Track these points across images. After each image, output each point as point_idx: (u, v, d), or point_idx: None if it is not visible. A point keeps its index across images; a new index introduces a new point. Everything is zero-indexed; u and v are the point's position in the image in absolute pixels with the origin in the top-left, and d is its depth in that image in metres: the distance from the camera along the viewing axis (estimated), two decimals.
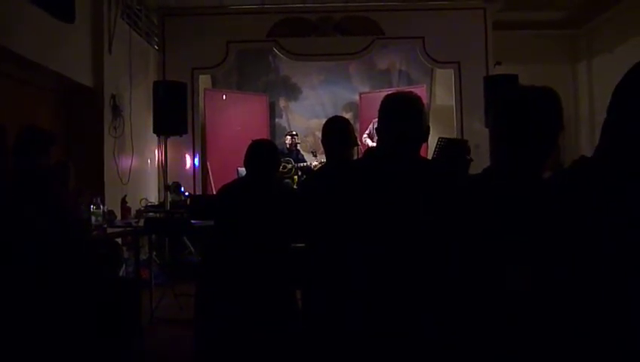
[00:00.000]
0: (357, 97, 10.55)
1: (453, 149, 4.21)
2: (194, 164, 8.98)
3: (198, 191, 8.80)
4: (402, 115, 2.25)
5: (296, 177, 8.45)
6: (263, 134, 9.22)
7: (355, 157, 3.66)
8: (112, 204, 6.03)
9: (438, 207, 1.94)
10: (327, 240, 2.52)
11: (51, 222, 3.04)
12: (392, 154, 2.26)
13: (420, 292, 2.00)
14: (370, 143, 8.65)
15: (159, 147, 8.35)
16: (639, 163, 1.29)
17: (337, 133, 3.42)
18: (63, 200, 3.28)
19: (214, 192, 8.09)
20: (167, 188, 7.33)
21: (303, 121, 10.91)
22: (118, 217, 5.81)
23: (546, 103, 1.72)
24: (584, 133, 9.57)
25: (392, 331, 2.08)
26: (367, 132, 9.00)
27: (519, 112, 1.73)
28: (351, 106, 10.77)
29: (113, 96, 6.89)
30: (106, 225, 4.94)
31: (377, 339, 2.10)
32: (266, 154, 3.65)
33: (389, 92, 2.48)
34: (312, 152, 9.03)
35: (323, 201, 2.73)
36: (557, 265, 1.37)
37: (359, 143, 8.67)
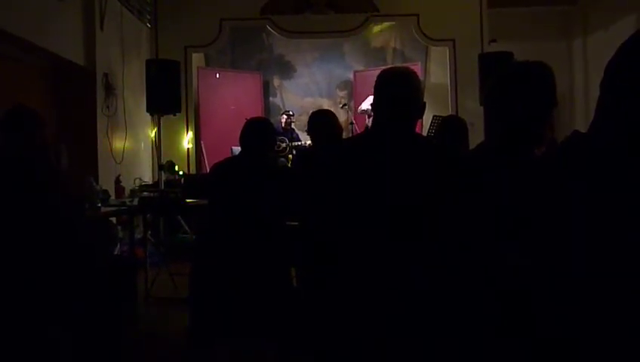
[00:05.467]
0: (351, 75, 10.51)
1: (454, 127, 4.18)
2: (187, 143, 8.95)
3: (192, 171, 8.78)
4: (398, 89, 2.24)
5: (290, 156, 8.44)
6: (257, 113, 9.19)
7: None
8: (106, 183, 6.01)
9: (435, 184, 1.93)
10: (323, 219, 2.50)
11: (40, 203, 3.02)
12: (388, 130, 2.25)
13: (422, 269, 1.99)
14: (367, 107, 8.57)
15: (153, 126, 8.31)
16: (631, 139, 1.29)
17: (322, 128, 3.50)
18: (52, 182, 3.25)
19: (208, 171, 8.08)
20: (161, 167, 7.31)
21: (297, 100, 10.86)
22: (112, 196, 5.80)
23: (539, 78, 1.71)
24: (579, 111, 9.55)
25: (394, 311, 2.07)
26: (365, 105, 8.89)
27: (512, 87, 1.72)
28: (345, 84, 10.73)
29: (105, 75, 6.83)
30: (100, 205, 4.93)
31: (379, 320, 2.10)
32: (262, 132, 3.64)
33: (382, 69, 2.46)
34: (307, 131, 9.00)
35: (319, 179, 2.72)
36: (551, 241, 1.37)
37: (354, 121, 8.66)
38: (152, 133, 8.43)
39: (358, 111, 8.80)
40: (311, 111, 3.90)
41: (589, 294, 1.27)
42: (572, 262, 1.30)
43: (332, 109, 4.64)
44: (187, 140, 8.91)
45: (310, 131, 3.61)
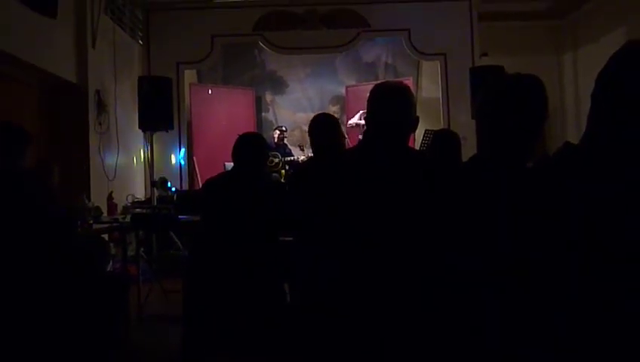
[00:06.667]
0: (343, 90, 10.54)
1: (447, 141, 4.19)
2: (180, 160, 8.94)
3: (185, 187, 8.77)
4: (391, 103, 2.25)
5: (283, 171, 8.44)
6: (250, 128, 9.18)
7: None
8: (99, 200, 5.99)
9: (428, 198, 1.93)
10: (318, 234, 2.50)
11: (26, 222, 3.00)
12: (381, 144, 2.25)
13: (415, 286, 1.99)
14: (356, 121, 8.53)
15: (145, 143, 8.30)
16: (621, 149, 1.29)
17: (324, 131, 3.44)
18: (40, 200, 3.23)
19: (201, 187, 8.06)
20: (153, 183, 7.29)
21: (290, 115, 10.87)
22: (105, 213, 5.78)
23: (531, 91, 1.72)
24: (570, 123, 9.60)
25: (386, 324, 2.07)
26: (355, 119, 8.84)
27: (504, 100, 1.73)
28: (338, 99, 10.76)
29: (98, 92, 6.83)
30: (92, 222, 4.91)
31: (371, 333, 2.10)
32: (254, 147, 3.64)
33: (375, 84, 2.47)
34: (299, 146, 9.01)
35: (313, 195, 2.72)
36: (539, 252, 1.37)
37: (346, 136, 8.64)
38: (145, 150, 8.42)
39: (348, 124, 8.78)
40: (314, 115, 3.79)
41: (586, 292, 1.28)
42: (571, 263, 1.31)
43: None
44: (179, 157, 8.90)
45: (312, 133, 3.52)
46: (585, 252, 1.28)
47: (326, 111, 10.31)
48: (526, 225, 1.43)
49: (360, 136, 8.17)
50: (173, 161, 8.93)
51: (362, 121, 8.30)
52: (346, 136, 8.66)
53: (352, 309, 2.15)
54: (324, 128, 3.48)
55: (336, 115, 9.73)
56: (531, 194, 1.45)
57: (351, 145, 8.19)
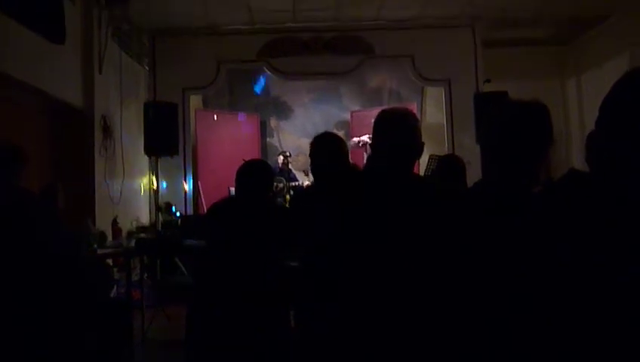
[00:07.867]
0: (348, 115, 10.57)
1: (452, 166, 4.20)
2: (185, 185, 8.95)
3: (190, 212, 8.76)
4: (397, 129, 2.26)
5: (288, 196, 8.44)
6: (255, 154, 9.21)
7: None
8: (103, 224, 6.00)
9: (434, 225, 1.93)
10: (323, 259, 2.49)
11: (24, 247, 2.99)
12: (386, 170, 2.25)
13: (420, 310, 1.98)
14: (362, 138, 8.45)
15: (150, 168, 8.32)
16: (626, 179, 1.29)
17: (325, 153, 3.23)
18: (40, 224, 3.22)
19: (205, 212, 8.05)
20: (158, 208, 7.30)
21: (294, 140, 10.91)
22: (109, 238, 5.78)
23: (535, 116, 1.72)
24: (575, 148, 9.59)
25: (392, 350, 2.06)
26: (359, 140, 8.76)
27: (508, 126, 1.73)
28: (342, 125, 10.79)
29: (103, 117, 6.88)
30: (97, 247, 4.91)
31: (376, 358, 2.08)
32: (258, 172, 3.64)
33: (380, 110, 2.47)
34: (304, 171, 9.02)
35: (320, 219, 2.71)
36: (542, 279, 1.37)
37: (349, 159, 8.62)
38: (150, 175, 8.45)
39: (352, 141, 8.73)
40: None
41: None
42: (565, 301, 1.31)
43: None
44: (184, 183, 8.91)
45: (312, 154, 3.25)
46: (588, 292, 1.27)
47: None
48: (533, 250, 1.42)
49: (365, 158, 8.16)
50: (178, 186, 8.93)
51: (368, 140, 8.25)
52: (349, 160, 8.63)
53: (358, 334, 2.14)
54: (324, 149, 3.23)
55: None
56: (537, 219, 1.44)
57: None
